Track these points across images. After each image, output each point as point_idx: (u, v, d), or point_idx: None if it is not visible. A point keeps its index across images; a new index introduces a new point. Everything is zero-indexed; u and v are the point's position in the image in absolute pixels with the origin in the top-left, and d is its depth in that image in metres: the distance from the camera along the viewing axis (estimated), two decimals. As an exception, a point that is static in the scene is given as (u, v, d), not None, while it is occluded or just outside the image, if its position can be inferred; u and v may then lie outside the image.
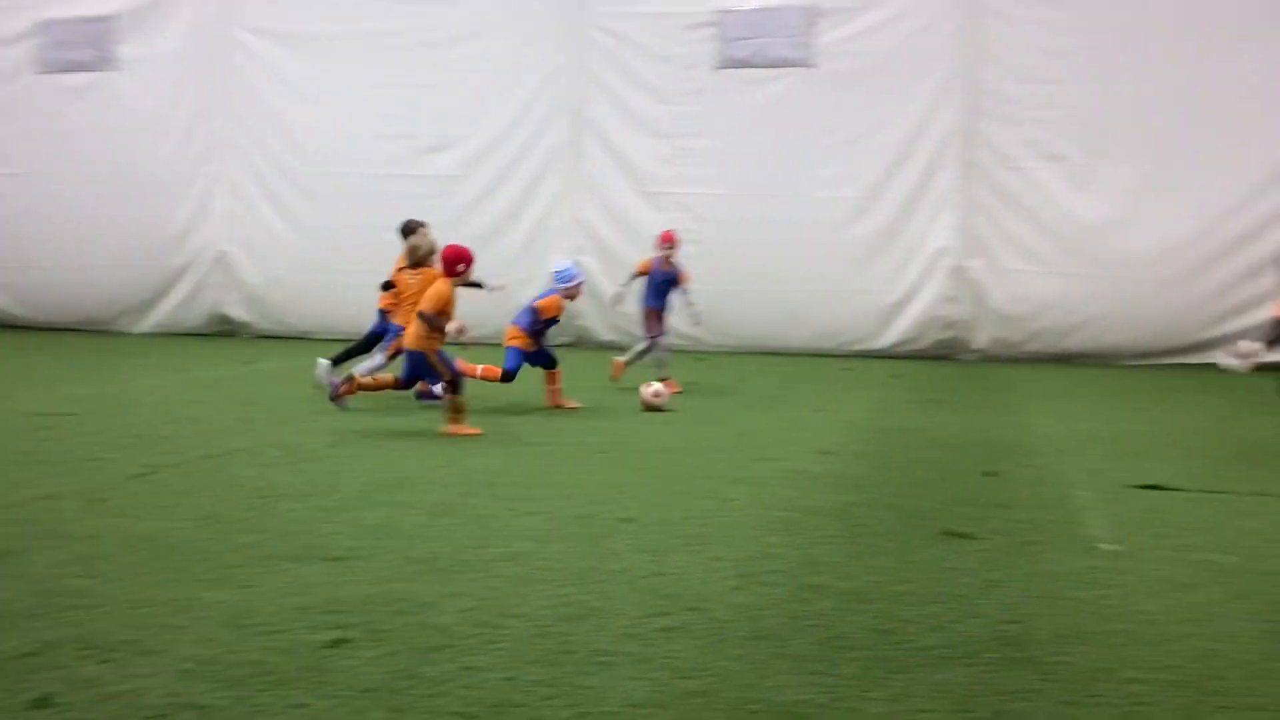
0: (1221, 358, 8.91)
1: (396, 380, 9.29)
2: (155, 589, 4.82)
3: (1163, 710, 3.75)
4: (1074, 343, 14.67)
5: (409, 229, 10.51)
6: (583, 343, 15.52)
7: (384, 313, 10.67)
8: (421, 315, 8.90)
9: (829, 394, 11.57)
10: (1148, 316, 14.27)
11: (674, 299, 11.69)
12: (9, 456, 7.69)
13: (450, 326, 8.90)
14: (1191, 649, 4.29)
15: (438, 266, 9.33)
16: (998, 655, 4.19)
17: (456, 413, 8.88)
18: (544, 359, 10.26)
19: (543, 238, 15.73)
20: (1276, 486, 7.27)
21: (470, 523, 6.04)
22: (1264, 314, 11.32)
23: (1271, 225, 13.50)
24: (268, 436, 8.56)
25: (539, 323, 10.23)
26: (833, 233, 15.01)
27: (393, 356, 10.02)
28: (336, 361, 10.79)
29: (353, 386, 9.40)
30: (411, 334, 9.04)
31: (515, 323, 10.28)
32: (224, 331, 16.98)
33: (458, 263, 9.12)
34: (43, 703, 3.67)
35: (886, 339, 15.11)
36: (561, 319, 10.64)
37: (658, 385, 10.32)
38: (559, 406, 10.21)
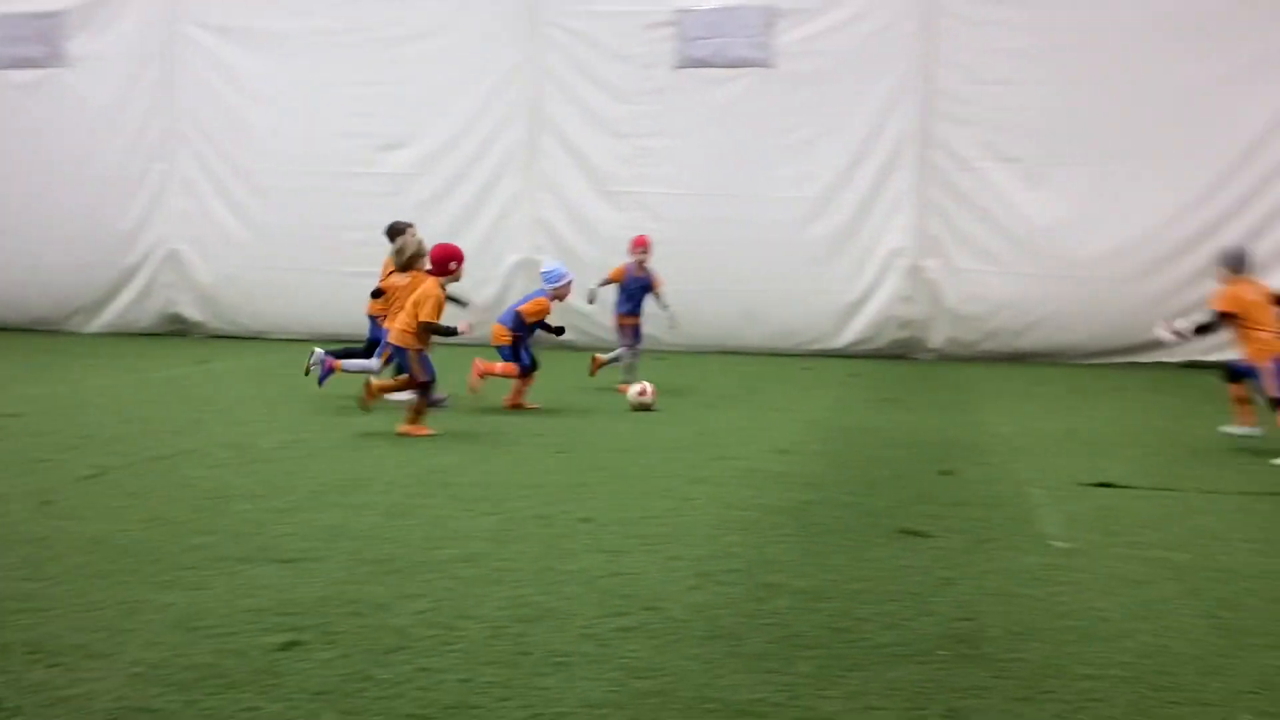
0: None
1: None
2: (105, 591, 4.76)
3: (1113, 706, 3.78)
4: (1028, 342, 14.81)
5: (396, 230, 10.40)
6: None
7: (374, 318, 10.51)
8: (428, 328, 8.82)
9: (787, 393, 11.60)
10: (1101, 316, 14.44)
11: (647, 304, 11.69)
12: (-45, 458, 7.56)
13: (460, 325, 8.93)
14: (1142, 645, 4.34)
15: (425, 268, 9.23)
16: (951, 652, 4.22)
17: (416, 414, 8.83)
18: (525, 359, 10.26)
19: (501, 237, 15.65)
20: (1227, 484, 7.37)
21: (426, 524, 6.00)
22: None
23: (1223, 225, 13.68)
24: (220, 437, 8.48)
25: (522, 326, 10.28)
26: (791, 232, 15.06)
27: (387, 362, 9.93)
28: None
29: (374, 391, 9.15)
30: (398, 331, 8.95)
31: (501, 321, 10.37)
32: (176, 331, 16.78)
33: (449, 261, 9.06)
34: (-12, 708, 3.62)
35: (844, 338, 15.19)
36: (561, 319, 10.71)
37: (644, 384, 10.33)
38: (518, 407, 10.18)
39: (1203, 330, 8.87)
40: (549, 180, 15.75)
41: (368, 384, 9.07)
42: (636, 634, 4.36)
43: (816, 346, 15.12)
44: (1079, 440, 8.97)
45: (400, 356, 9.06)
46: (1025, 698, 3.84)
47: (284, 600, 4.67)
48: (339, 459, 7.76)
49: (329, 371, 10.02)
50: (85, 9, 16.70)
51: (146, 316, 16.91)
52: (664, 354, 14.51)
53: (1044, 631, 4.47)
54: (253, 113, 16.37)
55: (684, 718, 3.65)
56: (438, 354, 9.17)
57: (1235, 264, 8.81)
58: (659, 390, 10.32)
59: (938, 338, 15.03)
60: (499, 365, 10.21)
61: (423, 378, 8.89)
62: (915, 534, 5.89)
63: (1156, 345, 14.01)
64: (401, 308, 9.16)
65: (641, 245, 11.69)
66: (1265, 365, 8.45)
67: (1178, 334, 9.05)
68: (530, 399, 10.29)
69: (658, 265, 11.75)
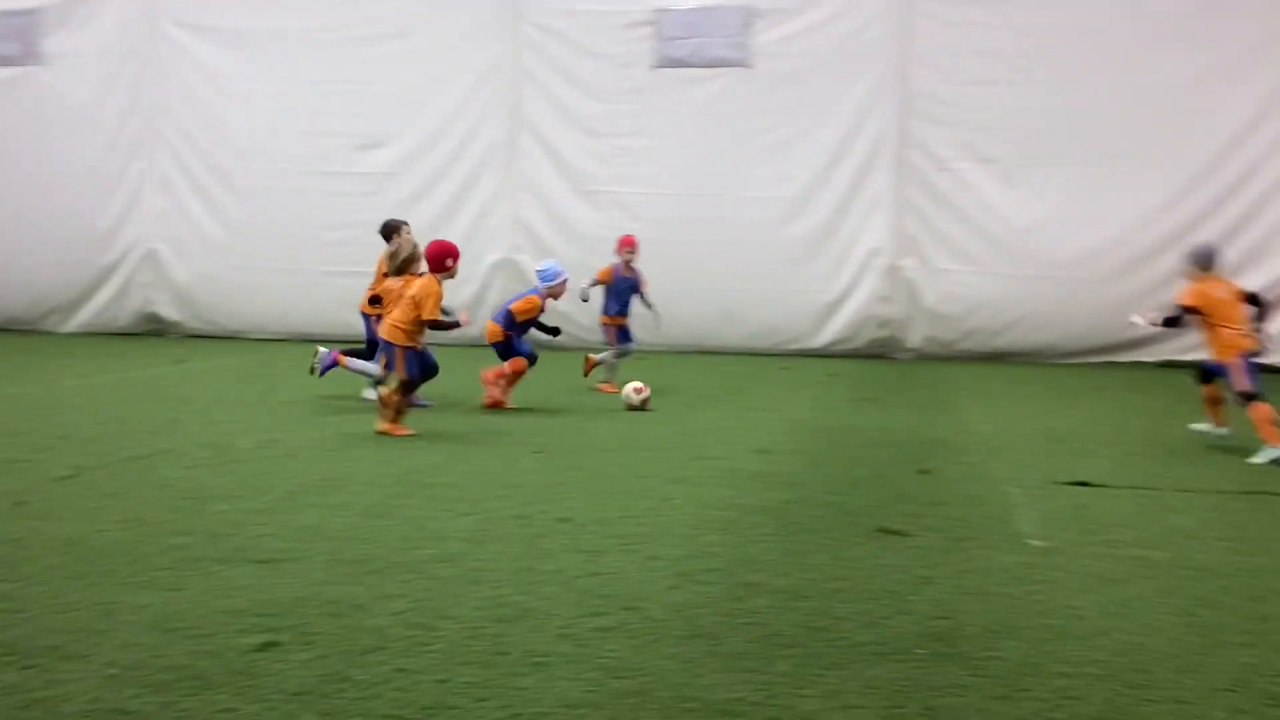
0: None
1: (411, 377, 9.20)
2: (80, 593, 4.73)
3: (1090, 704, 3.80)
4: (1005, 341, 14.88)
5: (390, 229, 10.34)
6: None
7: (368, 317, 10.42)
8: (432, 325, 8.82)
9: (767, 393, 11.62)
10: (1078, 315, 14.52)
11: (634, 304, 11.69)
12: (-71, 459, 7.50)
13: (460, 316, 9.00)
14: (1119, 643, 4.36)
15: (420, 271, 9.18)
16: (929, 651, 4.23)
17: (396, 414, 8.80)
18: (518, 355, 10.26)
19: (479, 236, 15.61)
20: (1203, 483, 7.42)
21: (404, 524, 5.98)
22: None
23: (1198, 226, 13.76)
24: (197, 437, 8.43)
25: (514, 324, 10.28)
26: (769, 232, 15.10)
27: (387, 365, 9.87)
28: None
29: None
30: (390, 326, 8.91)
31: (495, 320, 10.40)
32: (153, 331, 16.70)
33: (445, 258, 9.04)
34: (-39, 711, 3.59)
35: (822, 338, 15.23)
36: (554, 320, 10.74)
37: (637, 382, 10.33)
38: (498, 405, 10.16)
39: (1168, 323, 9.02)
40: (527, 179, 15.75)
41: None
42: (615, 634, 4.35)
43: (795, 346, 15.16)
44: (1056, 439, 9.01)
45: (388, 351, 9.02)
46: (1002, 696, 3.85)
47: (261, 601, 4.65)
48: (317, 459, 7.73)
49: (332, 363, 10.00)
50: (62, 7, 16.61)
51: (124, 316, 16.83)
52: (643, 354, 14.53)
53: (1021, 630, 4.49)
54: (230, 112, 16.31)
55: (663, 717, 3.65)
56: (441, 354, 9.16)
57: (1204, 262, 8.89)
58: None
59: (916, 337, 15.09)
60: (506, 366, 10.18)
61: (405, 376, 8.86)
62: (894, 533, 5.91)
63: (1134, 345, 14.19)
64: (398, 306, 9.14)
65: (629, 245, 11.69)
66: (1232, 361, 8.52)
67: (1152, 323, 9.19)
68: (512, 399, 10.26)
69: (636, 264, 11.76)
